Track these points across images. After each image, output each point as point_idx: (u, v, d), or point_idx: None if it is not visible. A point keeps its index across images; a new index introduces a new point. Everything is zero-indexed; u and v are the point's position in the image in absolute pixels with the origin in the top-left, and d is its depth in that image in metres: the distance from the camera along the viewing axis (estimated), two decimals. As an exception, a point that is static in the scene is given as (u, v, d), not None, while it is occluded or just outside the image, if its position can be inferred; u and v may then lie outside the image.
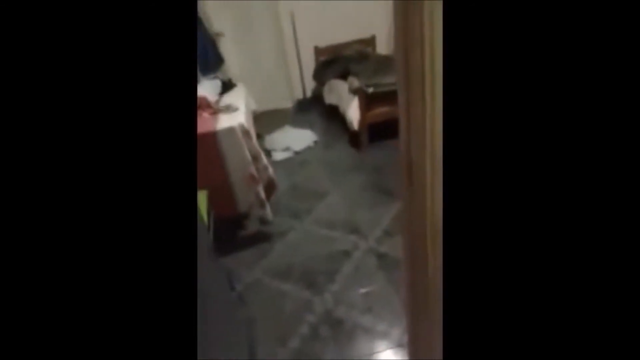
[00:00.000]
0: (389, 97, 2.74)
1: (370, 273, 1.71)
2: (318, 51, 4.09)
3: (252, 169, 1.87)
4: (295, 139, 3.18)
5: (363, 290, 1.62)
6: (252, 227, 2.08)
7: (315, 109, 4.03)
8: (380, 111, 2.80)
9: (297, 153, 3.07)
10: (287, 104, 4.32)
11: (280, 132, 3.41)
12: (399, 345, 1.35)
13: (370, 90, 2.70)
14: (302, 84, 4.26)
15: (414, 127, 0.73)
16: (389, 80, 2.76)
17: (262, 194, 1.93)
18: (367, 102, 2.72)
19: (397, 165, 2.41)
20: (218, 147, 1.80)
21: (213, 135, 1.78)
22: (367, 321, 1.47)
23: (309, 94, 4.31)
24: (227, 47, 3.93)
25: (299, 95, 4.32)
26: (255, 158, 1.90)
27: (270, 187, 2.01)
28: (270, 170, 2.00)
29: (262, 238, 2.05)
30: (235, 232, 2.09)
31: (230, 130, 1.79)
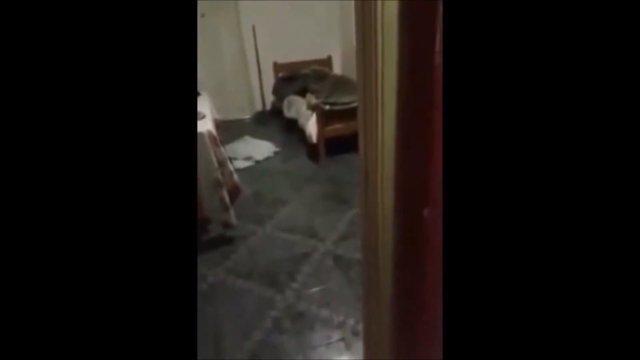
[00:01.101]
0: (344, 114, 2.99)
1: (328, 272, 1.88)
2: (277, 67, 4.29)
3: (218, 174, 1.97)
4: (256, 149, 3.30)
5: (321, 287, 1.77)
6: (215, 230, 2.15)
7: (274, 122, 4.19)
8: (336, 127, 3.04)
9: (258, 162, 3.19)
10: (247, 114, 4.43)
11: (240, 141, 3.51)
12: (353, 333, 1.52)
13: (327, 107, 2.93)
14: (262, 96, 4.41)
15: (369, 136, 0.85)
16: (344, 99, 3.01)
17: (227, 199, 2.03)
18: (325, 118, 2.95)
19: (352, 176, 2.66)
20: (186, 152, 1.88)
21: (182, 141, 1.86)
22: (325, 314, 1.62)
23: (268, 106, 4.46)
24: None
25: (258, 107, 4.46)
26: (222, 164, 2.01)
27: (234, 191, 2.11)
28: (235, 176, 2.11)
29: (225, 241, 2.14)
30: (198, 235, 2.15)
31: (199, 136, 1.89)
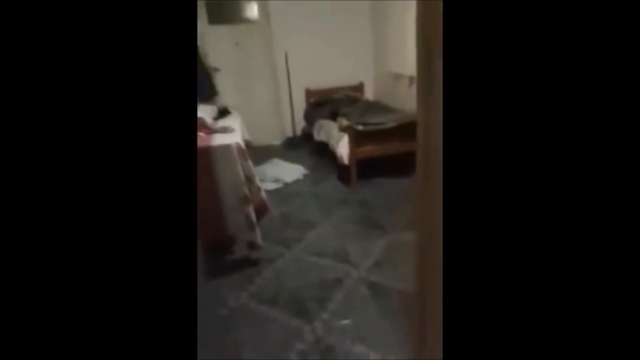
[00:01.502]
0: (376, 135, 2.85)
1: (362, 302, 1.66)
2: (309, 93, 4.28)
3: (245, 189, 1.85)
4: (285, 172, 3.20)
5: (355, 319, 1.55)
6: (239, 251, 2.00)
7: (304, 147, 4.11)
8: (369, 148, 2.89)
9: (286, 185, 3.07)
10: (277, 140, 4.40)
11: (269, 164, 3.43)
12: (394, 375, 1.28)
13: (360, 127, 2.81)
14: (293, 122, 4.39)
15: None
16: (377, 120, 2.89)
17: (253, 216, 1.89)
18: (357, 139, 2.82)
19: (385, 201, 2.44)
20: (212, 164, 1.79)
21: (207, 151, 1.78)
22: (359, 350, 1.39)
23: (298, 132, 4.42)
24: (223, 81, 4.06)
25: (289, 133, 4.43)
26: (249, 179, 1.89)
27: (261, 209, 1.97)
28: (263, 192, 1.98)
29: (249, 264, 1.98)
30: (222, 256, 2.00)
31: (226, 148, 1.80)
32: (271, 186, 3.01)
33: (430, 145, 0.62)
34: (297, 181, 3.15)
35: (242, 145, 1.88)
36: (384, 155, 2.95)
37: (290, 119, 4.39)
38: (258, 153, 3.71)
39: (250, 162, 1.91)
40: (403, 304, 1.60)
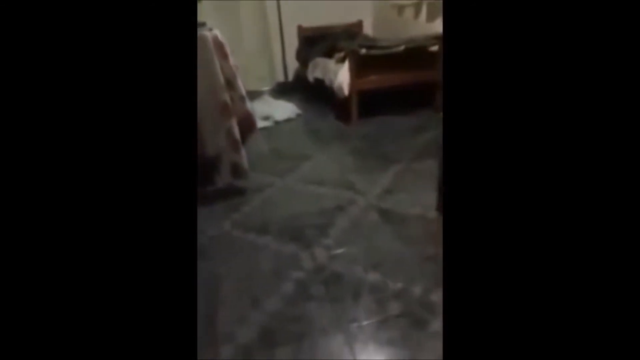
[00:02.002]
0: (382, 63, 2.47)
1: (373, 228, 1.33)
2: (302, 31, 3.83)
3: (226, 96, 1.47)
4: (276, 108, 2.81)
5: (365, 245, 1.23)
6: (222, 178, 1.63)
7: (297, 93, 3.70)
8: (372, 79, 2.51)
9: (277, 123, 2.70)
10: (266, 85, 3.97)
11: (259, 101, 3.04)
12: (422, 305, 0.97)
13: (363, 51, 2.41)
14: (284, 64, 3.95)
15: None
16: (383, 43, 2.49)
17: (237, 132, 1.53)
18: (360, 65, 2.43)
19: (392, 137, 2.04)
20: (184, 62, 1.40)
21: (178, 46, 1.38)
22: (374, 278, 1.08)
23: (290, 76, 4.00)
24: (206, 18, 3.56)
25: (280, 77, 4.00)
26: (230, 83, 1.51)
27: (246, 124, 1.61)
28: (248, 103, 1.61)
29: (234, 192, 1.63)
30: (200, 184, 1.65)
31: (200, 40, 1.40)
32: (260, 124, 2.62)
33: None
34: (289, 120, 2.77)
35: (221, 39, 1.48)
36: (390, 87, 2.57)
37: (281, 61, 3.95)
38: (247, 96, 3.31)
39: (231, 62, 1.53)
40: (426, 230, 1.29)
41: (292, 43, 3.85)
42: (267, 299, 1.02)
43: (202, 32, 1.42)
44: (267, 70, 3.97)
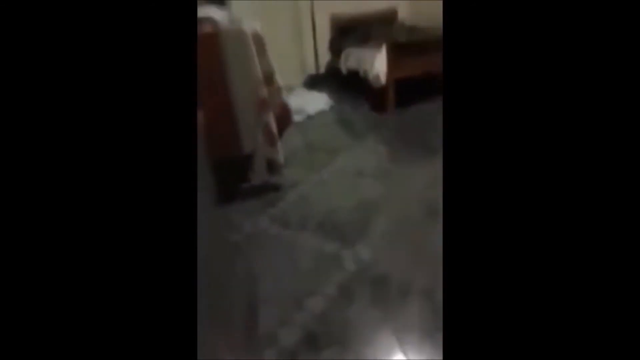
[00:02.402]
0: (422, 48, 2.34)
1: (420, 224, 1.26)
2: (335, 20, 3.72)
3: (264, 92, 1.44)
4: (308, 102, 2.76)
5: (413, 246, 1.16)
6: (257, 176, 1.61)
7: (329, 85, 3.63)
8: (411, 65, 2.39)
9: (310, 117, 2.65)
10: (297, 79, 3.92)
11: (291, 94, 3.00)
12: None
13: (403, 40, 2.30)
14: (316, 56, 3.87)
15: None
16: (422, 27, 2.36)
17: (274, 126, 1.49)
18: (398, 52, 2.32)
19: (435, 124, 1.91)
20: (221, 56, 1.37)
21: (214, 38, 1.36)
22: (422, 283, 1.01)
23: (322, 69, 3.92)
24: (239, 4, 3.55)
25: (311, 69, 3.93)
26: (268, 78, 1.47)
27: (283, 118, 1.57)
28: (285, 96, 1.57)
29: (269, 189, 1.60)
30: (236, 181, 1.63)
31: (239, 34, 1.37)
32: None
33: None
34: (322, 112, 2.71)
35: (260, 32, 1.44)
36: (429, 74, 2.44)
37: (312, 52, 3.88)
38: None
39: (269, 58, 1.49)
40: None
41: (324, 34, 3.77)
42: (308, 300, 0.98)
43: (241, 27, 1.39)
44: (298, 63, 3.92)
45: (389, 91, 2.39)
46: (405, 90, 2.47)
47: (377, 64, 2.37)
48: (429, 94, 2.55)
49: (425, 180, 1.53)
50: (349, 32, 3.36)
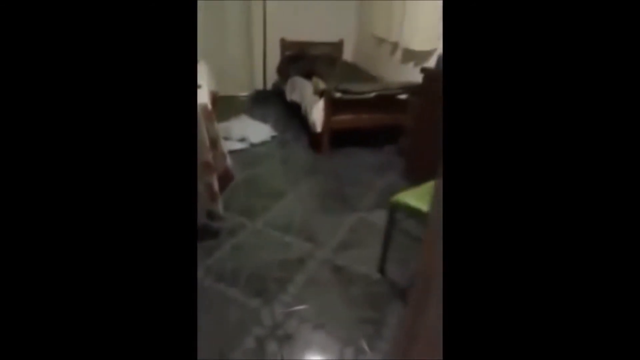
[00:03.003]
0: (355, 105, 2.70)
1: (325, 285, 1.62)
2: (284, 44, 3.95)
3: (209, 156, 1.66)
4: (252, 131, 2.98)
5: (316, 304, 1.51)
6: (198, 221, 1.85)
7: (274, 103, 3.86)
8: (345, 118, 2.75)
9: (253, 145, 2.88)
10: (246, 91, 4.08)
11: (236, 120, 3.19)
12: (352, 366, 1.27)
13: (338, 95, 2.63)
14: (264, 74, 4.07)
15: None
16: (357, 88, 2.72)
17: (216, 185, 1.73)
18: (333, 106, 2.65)
19: (357, 173, 2.38)
20: (173, 126, 1.57)
21: (169, 112, 1.55)
22: (319, 338, 1.36)
23: (269, 86, 4.12)
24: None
25: (259, 85, 4.12)
26: (214, 144, 1.70)
27: (225, 178, 1.81)
28: (228, 159, 1.81)
29: (209, 235, 1.85)
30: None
31: (191, 110, 1.57)
32: (236, 145, 2.81)
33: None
34: (264, 143, 2.96)
35: (209, 105, 1.66)
36: (361, 126, 2.83)
37: (261, 70, 4.06)
38: (224, 104, 3.43)
39: (216, 124, 1.71)
40: (368, 291, 1.58)
41: (274, 54, 3.96)
42: (231, 352, 1.28)
43: (192, 102, 1.58)
44: (247, 77, 4.07)
45: (324, 137, 2.72)
46: (339, 135, 2.83)
47: (315, 113, 2.68)
48: (359, 140, 2.95)
49: (337, 241, 1.90)
50: (297, 60, 3.61)
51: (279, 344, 1.33)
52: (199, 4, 3.55)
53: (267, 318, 1.43)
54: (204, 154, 1.65)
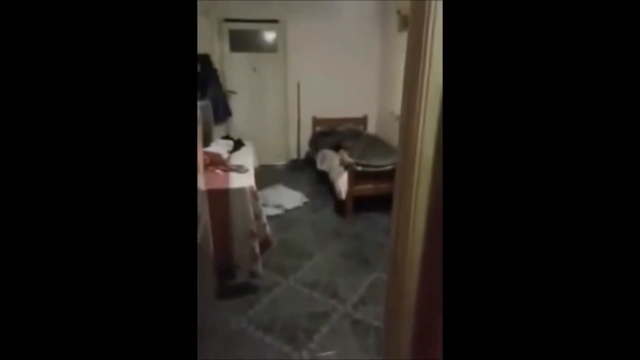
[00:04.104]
0: (374, 176, 3.14)
1: (345, 336, 1.93)
2: (316, 121, 4.58)
3: (253, 226, 2.13)
4: (286, 198, 3.48)
5: (337, 351, 1.82)
6: (241, 277, 2.27)
7: (306, 171, 4.41)
8: (366, 187, 3.18)
9: (287, 211, 3.35)
10: (282, 161, 4.70)
11: (273, 189, 3.71)
12: (365, 404, 1.55)
13: (359, 168, 3.10)
14: (298, 146, 4.68)
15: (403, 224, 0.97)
16: (376, 162, 3.18)
17: (257, 249, 2.17)
18: (355, 178, 3.11)
19: (376, 235, 2.77)
20: (228, 203, 2.07)
21: (225, 193, 2.06)
22: (339, 380, 1.66)
23: (302, 155, 4.71)
24: (238, 104, 4.36)
25: (294, 155, 4.72)
26: (257, 217, 2.17)
27: (265, 243, 2.25)
28: (268, 228, 2.26)
29: (250, 290, 2.25)
30: (225, 280, 2.27)
31: (241, 191, 2.08)
32: (273, 211, 3.29)
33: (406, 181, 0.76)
34: (297, 208, 3.43)
35: (254, 186, 2.16)
36: (380, 194, 3.24)
37: (296, 143, 4.68)
38: (264, 172, 4.00)
39: (259, 201, 2.19)
40: (380, 341, 1.87)
41: (306, 128, 4.60)
42: (268, 388, 1.61)
43: (242, 185, 2.09)
44: (284, 149, 4.70)
45: (347, 204, 3.15)
46: (362, 200, 3.25)
47: (340, 184, 3.14)
48: (378, 204, 3.35)
49: (358, 297, 2.23)
50: (325, 135, 4.19)
51: (306, 383, 1.65)
52: (243, 93, 4.33)
53: (296, 361, 1.76)
54: (249, 225, 2.12)
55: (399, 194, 0.93)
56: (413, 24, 0.66)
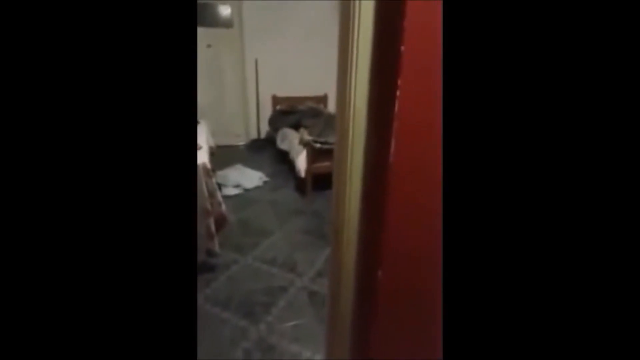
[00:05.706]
0: (332, 153, 3.16)
1: (302, 308, 1.97)
2: (275, 99, 4.50)
3: (207, 204, 2.08)
4: (246, 178, 3.42)
5: (294, 323, 1.86)
6: (198, 257, 2.23)
7: (266, 150, 4.35)
8: (324, 165, 3.19)
9: (246, 190, 3.31)
10: (242, 141, 4.59)
11: (232, 169, 3.64)
12: (319, 370, 1.60)
13: (318, 146, 3.10)
14: (258, 125, 4.59)
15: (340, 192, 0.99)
16: (334, 140, 3.19)
17: (213, 227, 2.13)
18: (314, 155, 3.11)
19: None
20: (179, 181, 2.00)
21: (176, 171, 1.99)
22: (294, 349, 1.70)
23: (263, 135, 4.63)
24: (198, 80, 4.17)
25: (253, 135, 4.63)
26: (211, 194, 2.12)
27: (220, 221, 2.21)
28: (223, 206, 2.22)
29: (207, 269, 2.22)
30: (181, 260, 2.23)
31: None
32: (232, 191, 3.23)
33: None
34: (256, 188, 3.39)
35: (208, 164, 2.10)
36: (338, 171, 3.28)
37: (256, 122, 4.59)
38: (223, 153, 3.90)
39: (213, 179, 2.14)
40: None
41: (266, 106, 4.51)
42: (224, 362, 1.62)
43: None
44: (243, 129, 4.60)
45: (307, 182, 3.16)
46: (321, 178, 3.27)
47: (300, 162, 3.14)
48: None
49: (315, 270, 2.27)
50: (285, 114, 4.14)
51: (262, 354, 1.67)
52: (198, 70, 4.16)
53: (253, 334, 1.78)
54: (203, 203, 2.07)
55: (337, 169, 0.94)
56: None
